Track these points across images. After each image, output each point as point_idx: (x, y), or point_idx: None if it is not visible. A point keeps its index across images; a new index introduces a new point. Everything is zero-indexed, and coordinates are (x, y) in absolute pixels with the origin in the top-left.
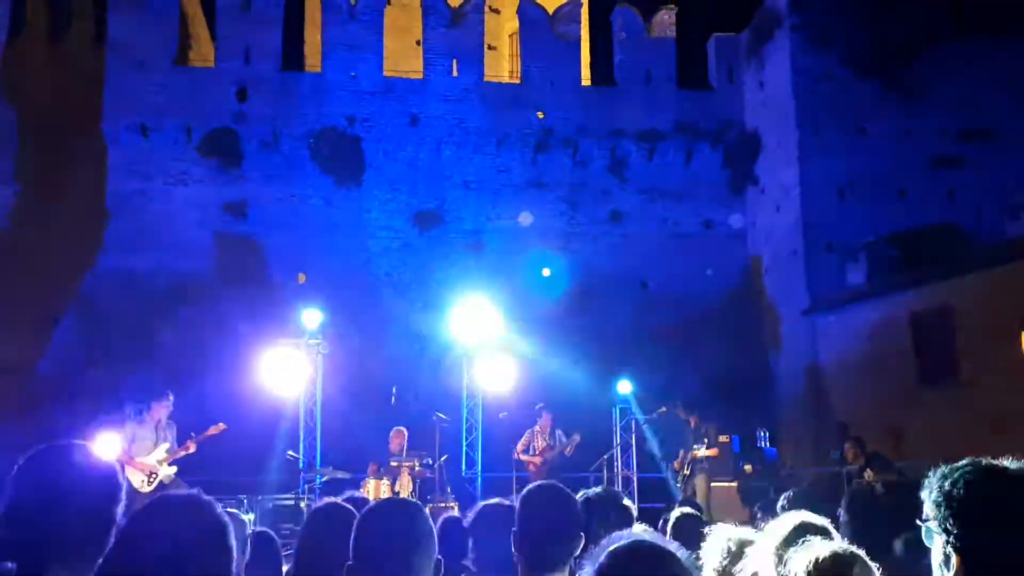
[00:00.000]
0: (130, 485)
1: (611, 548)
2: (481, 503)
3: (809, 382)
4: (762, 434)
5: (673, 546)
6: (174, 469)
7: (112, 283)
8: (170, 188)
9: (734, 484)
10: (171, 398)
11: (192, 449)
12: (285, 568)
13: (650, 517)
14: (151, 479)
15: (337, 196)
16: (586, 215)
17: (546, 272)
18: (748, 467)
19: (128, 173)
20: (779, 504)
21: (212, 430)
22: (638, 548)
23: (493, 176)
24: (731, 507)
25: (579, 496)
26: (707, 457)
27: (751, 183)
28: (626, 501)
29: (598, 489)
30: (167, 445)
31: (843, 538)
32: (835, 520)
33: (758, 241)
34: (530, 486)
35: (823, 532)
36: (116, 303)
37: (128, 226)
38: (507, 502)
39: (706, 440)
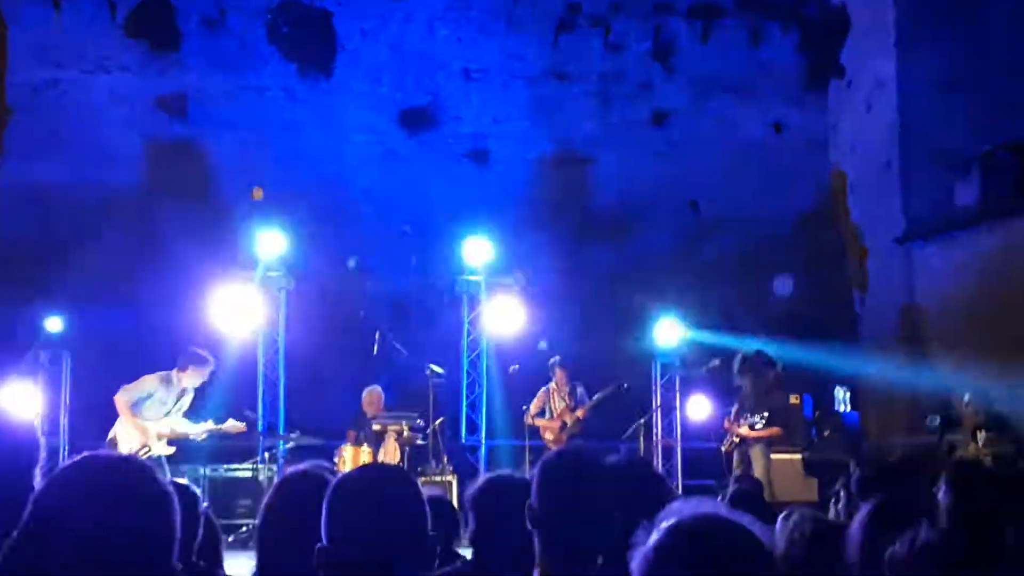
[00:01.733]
0: (113, 446)
1: (669, 523)
2: (487, 474)
3: (903, 329)
4: (841, 394)
5: (746, 520)
6: (172, 450)
7: (15, 198)
8: (88, 78)
9: (798, 456)
10: (212, 364)
11: (203, 437)
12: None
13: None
14: (143, 451)
15: (302, 88)
16: (621, 115)
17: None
18: (795, 398)
19: (35, 59)
20: (855, 480)
21: (232, 427)
22: (704, 522)
23: (501, 64)
24: (798, 485)
25: None
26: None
27: (834, 75)
28: (658, 470)
29: (620, 457)
30: (180, 420)
31: (943, 525)
32: (933, 503)
33: (841, 150)
34: (553, 450)
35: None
36: (20, 223)
37: (36, 127)
38: (519, 475)
39: (761, 418)
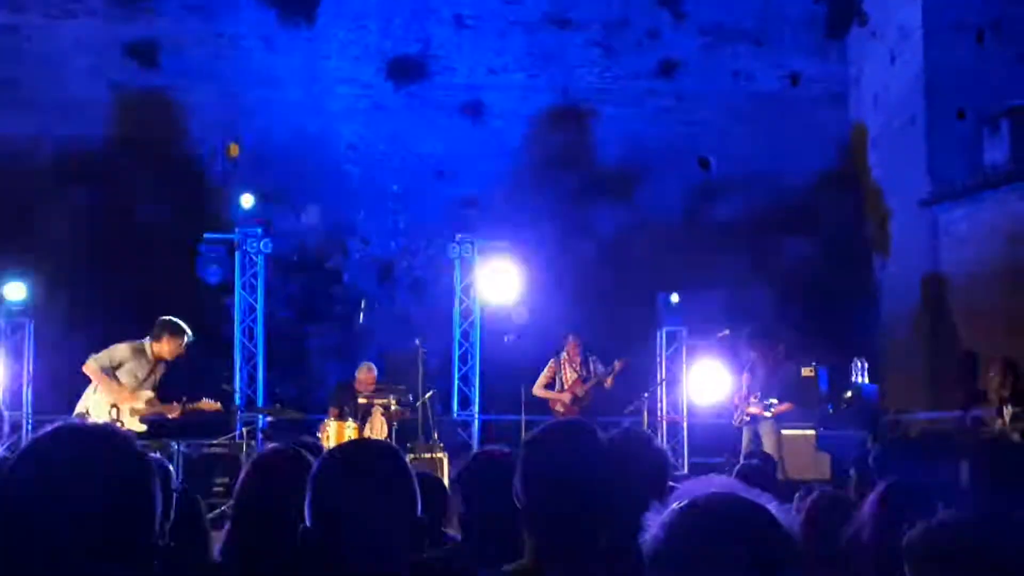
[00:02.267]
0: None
1: (683, 504)
2: (476, 450)
3: (926, 297)
4: (859, 365)
5: (764, 498)
6: (143, 428)
7: None
8: (51, 24)
9: (810, 432)
10: (188, 338)
11: (175, 415)
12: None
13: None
14: (115, 416)
15: (281, 37)
16: (626, 66)
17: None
18: (808, 370)
19: None
20: (872, 457)
21: (207, 405)
22: (718, 502)
23: (497, 10)
24: (809, 462)
25: None
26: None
27: (856, 22)
28: (659, 445)
29: (620, 433)
30: (151, 394)
31: (965, 505)
32: (955, 480)
33: (863, 104)
34: (542, 426)
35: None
36: None
37: None
38: (508, 450)
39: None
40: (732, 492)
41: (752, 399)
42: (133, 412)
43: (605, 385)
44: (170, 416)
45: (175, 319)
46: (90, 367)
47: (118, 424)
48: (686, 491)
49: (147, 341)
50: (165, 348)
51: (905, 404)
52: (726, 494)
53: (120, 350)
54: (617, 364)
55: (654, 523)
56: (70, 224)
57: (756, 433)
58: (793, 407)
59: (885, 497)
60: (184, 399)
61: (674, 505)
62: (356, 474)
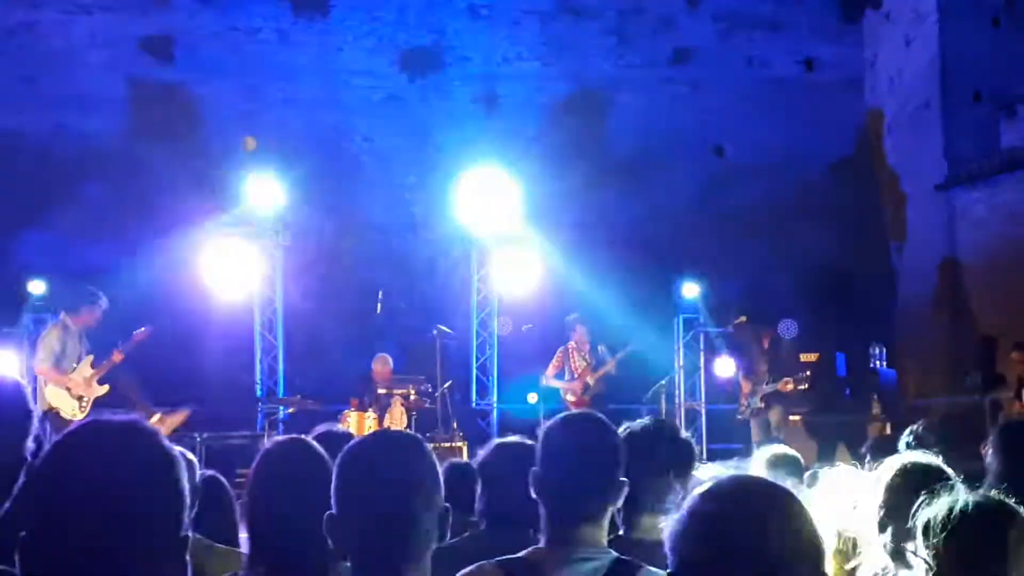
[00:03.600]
0: (56, 416)
1: (704, 487)
2: (496, 440)
3: (943, 282)
4: (877, 351)
5: (789, 483)
6: (105, 388)
7: None
8: (69, 19)
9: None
10: (104, 302)
11: (118, 359)
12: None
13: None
14: (83, 405)
15: (296, 29)
16: (640, 53)
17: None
18: (811, 356)
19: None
20: (902, 442)
21: (138, 335)
22: (742, 486)
23: None
24: (798, 448)
25: (621, 431)
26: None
27: (870, 6)
28: (684, 434)
29: (645, 421)
30: (91, 358)
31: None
32: (976, 464)
33: (878, 89)
34: (557, 417)
35: (939, 476)
36: None
37: (12, 72)
38: (530, 441)
39: (790, 382)
40: (751, 476)
41: (757, 389)
42: (89, 380)
43: (612, 372)
44: (115, 363)
45: (88, 286)
46: (42, 368)
47: (85, 400)
48: (709, 475)
49: (63, 316)
50: (85, 318)
51: (923, 389)
52: (745, 476)
53: (50, 337)
54: (618, 356)
55: (675, 506)
56: (88, 218)
57: (766, 422)
58: (794, 385)
59: (900, 480)
60: (119, 343)
61: (696, 489)
62: (379, 465)
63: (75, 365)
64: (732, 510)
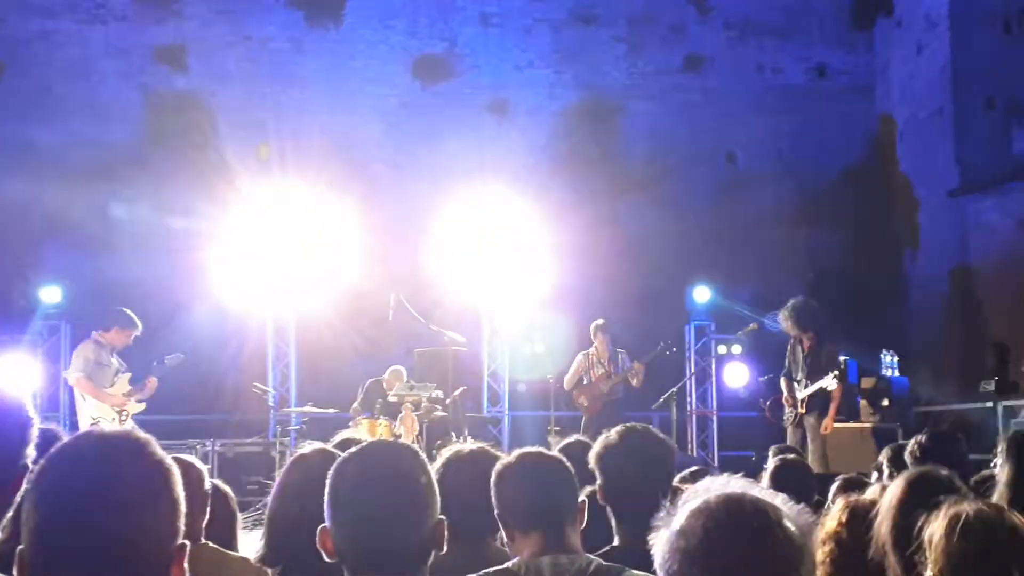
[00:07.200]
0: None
1: (694, 504)
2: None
3: (956, 289)
4: (888, 358)
5: (779, 499)
6: (142, 407)
7: (5, 160)
8: (83, 29)
9: (867, 425)
10: (139, 329)
11: (153, 386)
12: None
13: (735, 469)
14: (122, 418)
15: (310, 38)
16: (652, 61)
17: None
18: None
19: (25, 9)
20: (908, 450)
21: (171, 361)
22: (729, 503)
23: (523, 6)
24: (853, 455)
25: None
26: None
27: (882, 14)
28: (662, 438)
29: (622, 430)
30: (129, 376)
31: (999, 497)
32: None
33: (890, 96)
34: (508, 458)
35: (947, 488)
36: (12, 186)
37: (27, 83)
38: (550, 453)
39: (836, 373)
40: (744, 493)
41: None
42: (127, 395)
43: (634, 384)
44: (154, 388)
45: (126, 311)
46: (78, 380)
47: (125, 413)
48: (697, 492)
49: (95, 333)
50: (115, 338)
51: (936, 396)
52: (734, 495)
53: (84, 349)
54: (636, 366)
55: (662, 522)
56: (104, 226)
57: (803, 434)
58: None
59: (907, 491)
60: (155, 363)
61: (684, 507)
62: (367, 480)
63: (114, 380)
64: (719, 530)
